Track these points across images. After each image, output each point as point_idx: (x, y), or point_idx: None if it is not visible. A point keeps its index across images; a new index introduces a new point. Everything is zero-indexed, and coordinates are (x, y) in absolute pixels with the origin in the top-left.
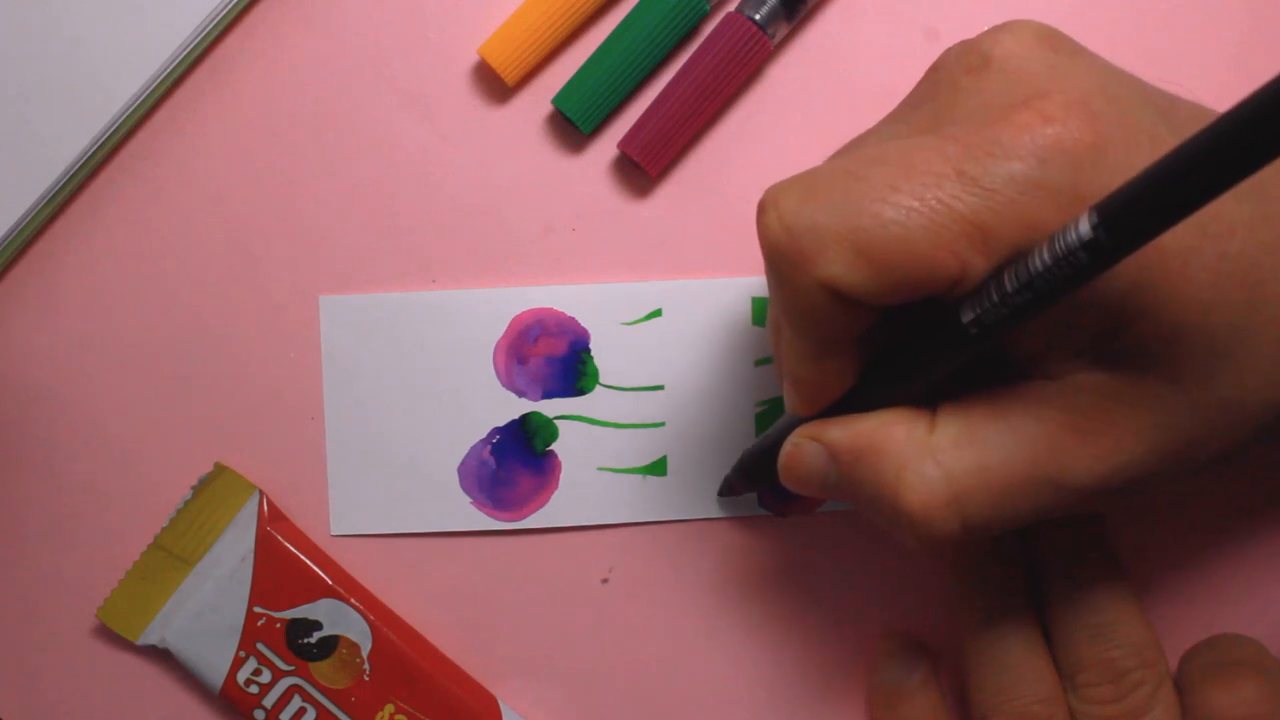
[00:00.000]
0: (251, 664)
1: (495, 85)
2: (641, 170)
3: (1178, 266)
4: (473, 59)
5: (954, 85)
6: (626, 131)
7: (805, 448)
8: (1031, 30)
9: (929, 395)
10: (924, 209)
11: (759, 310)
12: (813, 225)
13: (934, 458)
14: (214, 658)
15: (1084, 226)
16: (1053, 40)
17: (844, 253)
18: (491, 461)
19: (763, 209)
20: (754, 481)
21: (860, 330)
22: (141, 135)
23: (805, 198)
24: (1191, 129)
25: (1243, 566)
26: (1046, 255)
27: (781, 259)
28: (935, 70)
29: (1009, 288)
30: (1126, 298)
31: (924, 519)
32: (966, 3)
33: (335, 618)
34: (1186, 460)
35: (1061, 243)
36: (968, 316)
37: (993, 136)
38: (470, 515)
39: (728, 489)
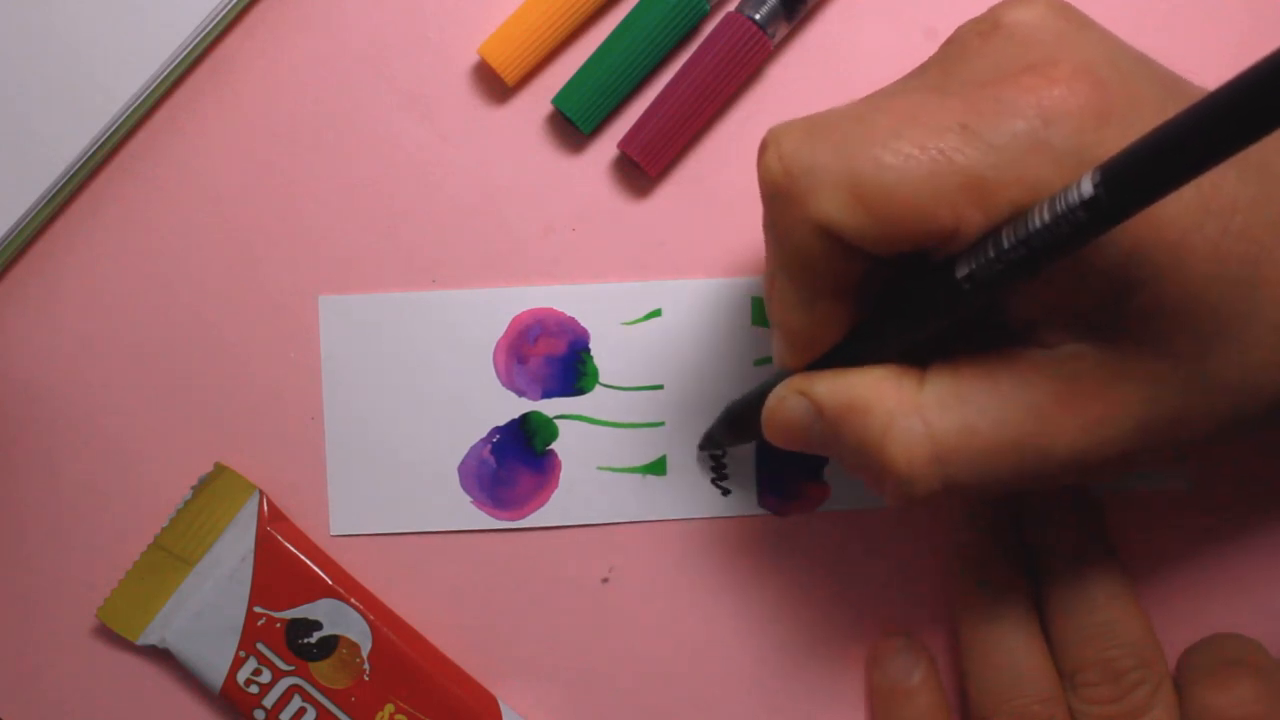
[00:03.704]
0: (251, 664)
1: (495, 85)
2: (641, 170)
3: (1178, 241)
4: (473, 59)
5: (963, 48)
6: (626, 131)
7: (790, 401)
8: (1044, 1)
9: (920, 353)
10: (924, 158)
11: (759, 310)
12: (811, 165)
13: (920, 415)
14: (214, 658)
15: (1086, 185)
16: (1064, 11)
17: (840, 194)
18: (491, 461)
19: (764, 147)
20: (737, 435)
21: (853, 278)
22: (141, 135)
23: (806, 138)
24: None
25: (1243, 566)
26: (1046, 213)
27: (778, 197)
28: (949, 40)
29: (1005, 244)
30: (1125, 270)
31: (907, 475)
32: (966, 3)
33: (335, 618)
34: (1173, 438)
35: (1062, 201)
36: (962, 271)
37: (998, 94)
38: (470, 515)
39: (709, 442)
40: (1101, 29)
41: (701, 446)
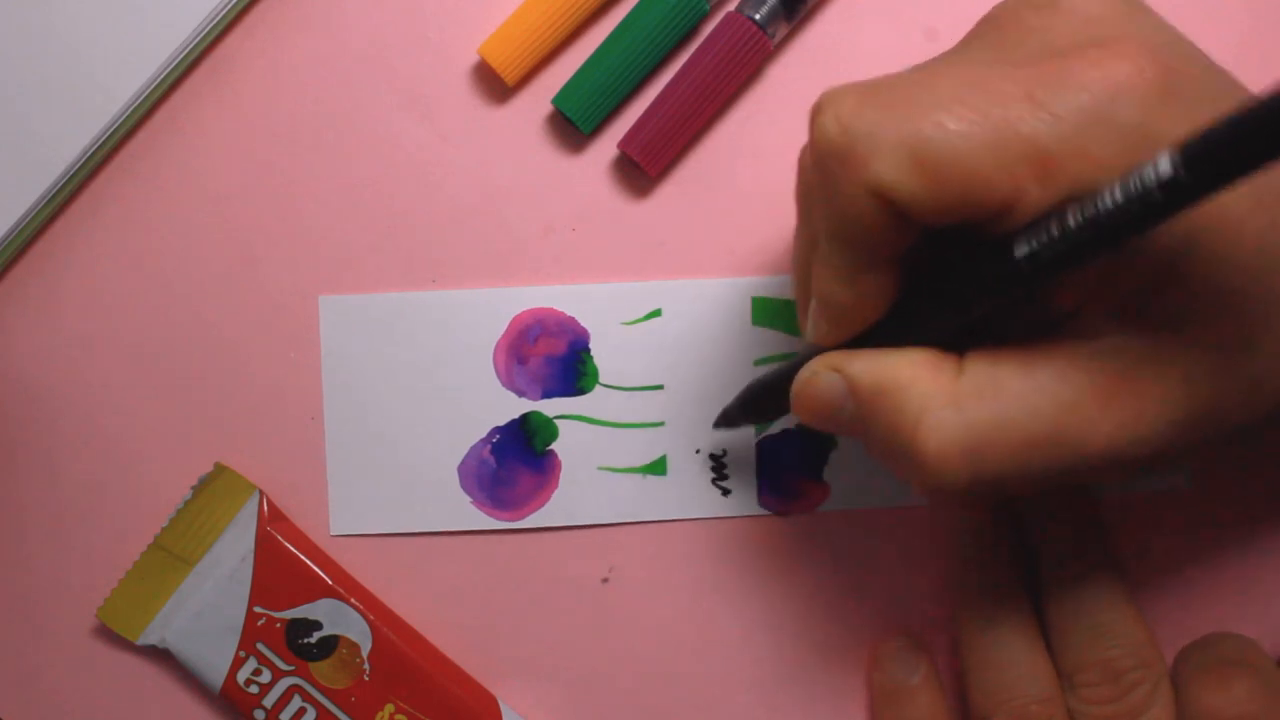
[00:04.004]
0: (251, 664)
1: (495, 85)
2: (641, 170)
3: (1231, 230)
4: (473, 59)
5: (1019, 22)
6: (626, 131)
7: (823, 377)
8: None
9: (958, 340)
10: (988, 124)
11: (759, 310)
12: (871, 127)
13: (956, 404)
14: (214, 658)
15: (1164, 165)
16: None
17: (900, 158)
18: (491, 461)
19: (818, 110)
20: (754, 415)
21: (901, 249)
22: (141, 135)
23: (865, 100)
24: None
25: (1242, 566)
26: (1119, 192)
27: (834, 159)
28: (992, 14)
29: (1072, 223)
30: (1168, 258)
31: (938, 465)
32: (966, 3)
33: (335, 618)
34: (1208, 432)
35: (1138, 180)
36: (1021, 251)
37: (1065, 67)
38: (470, 515)
39: (725, 420)
40: (1155, 12)
41: (717, 425)
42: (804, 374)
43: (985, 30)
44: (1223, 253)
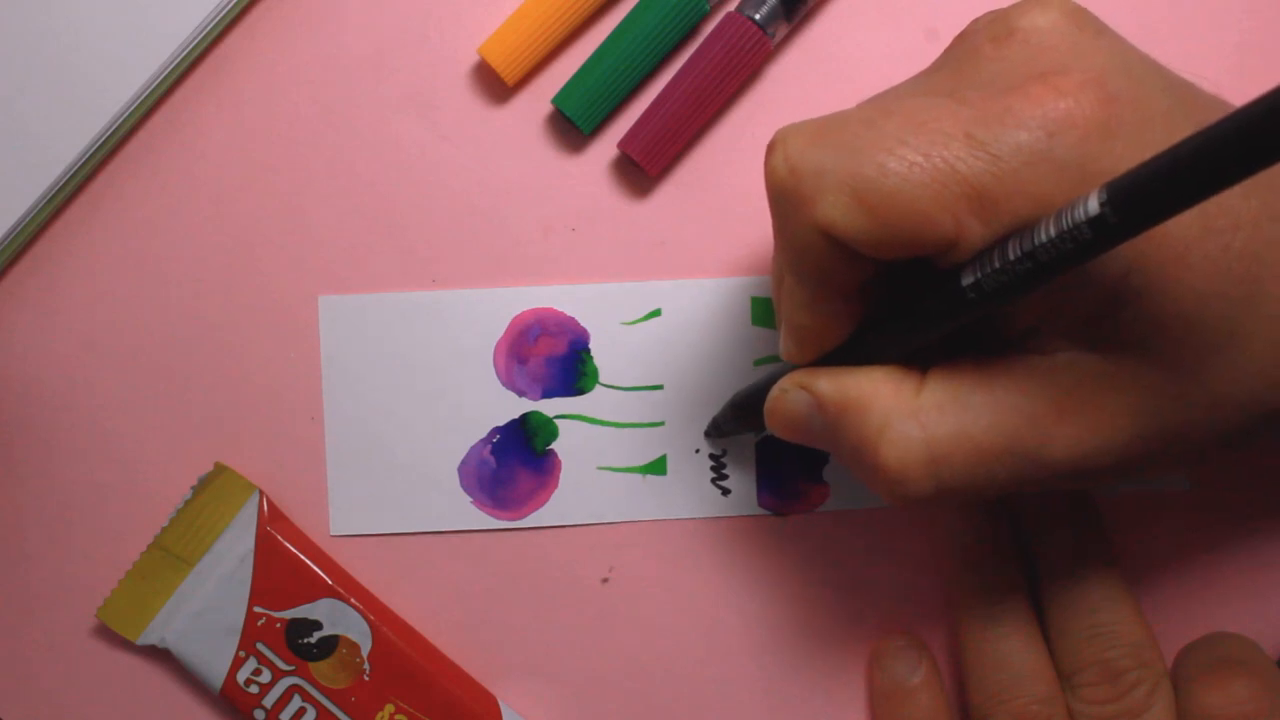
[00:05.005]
0: (251, 664)
1: (495, 85)
2: (641, 170)
3: (1178, 255)
4: (473, 59)
5: (976, 52)
6: (626, 131)
7: (792, 394)
8: (1060, 7)
9: (922, 357)
10: (927, 166)
11: (759, 310)
12: (817, 167)
13: (917, 418)
14: (214, 658)
15: (1092, 203)
16: (1080, 18)
17: (843, 198)
18: (491, 461)
19: (771, 148)
20: (742, 423)
21: (857, 280)
22: (141, 135)
23: (813, 140)
24: (1209, 119)
25: (1241, 566)
26: (1052, 227)
27: (783, 198)
28: (961, 38)
29: (1011, 255)
30: (1124, 281)
31: (900, 477)
32: (966, 3)
33: (335, 618)
34: (1168, 450)
35: (1068, 217)
36: (967, 280)
37: (1005, 105)
38: (470, 514)
39: (715, 429)
40: (1116, 36)
41: (707, 434)
42: (775, 392)
43: (950, 56)
44: (1172, 277)
